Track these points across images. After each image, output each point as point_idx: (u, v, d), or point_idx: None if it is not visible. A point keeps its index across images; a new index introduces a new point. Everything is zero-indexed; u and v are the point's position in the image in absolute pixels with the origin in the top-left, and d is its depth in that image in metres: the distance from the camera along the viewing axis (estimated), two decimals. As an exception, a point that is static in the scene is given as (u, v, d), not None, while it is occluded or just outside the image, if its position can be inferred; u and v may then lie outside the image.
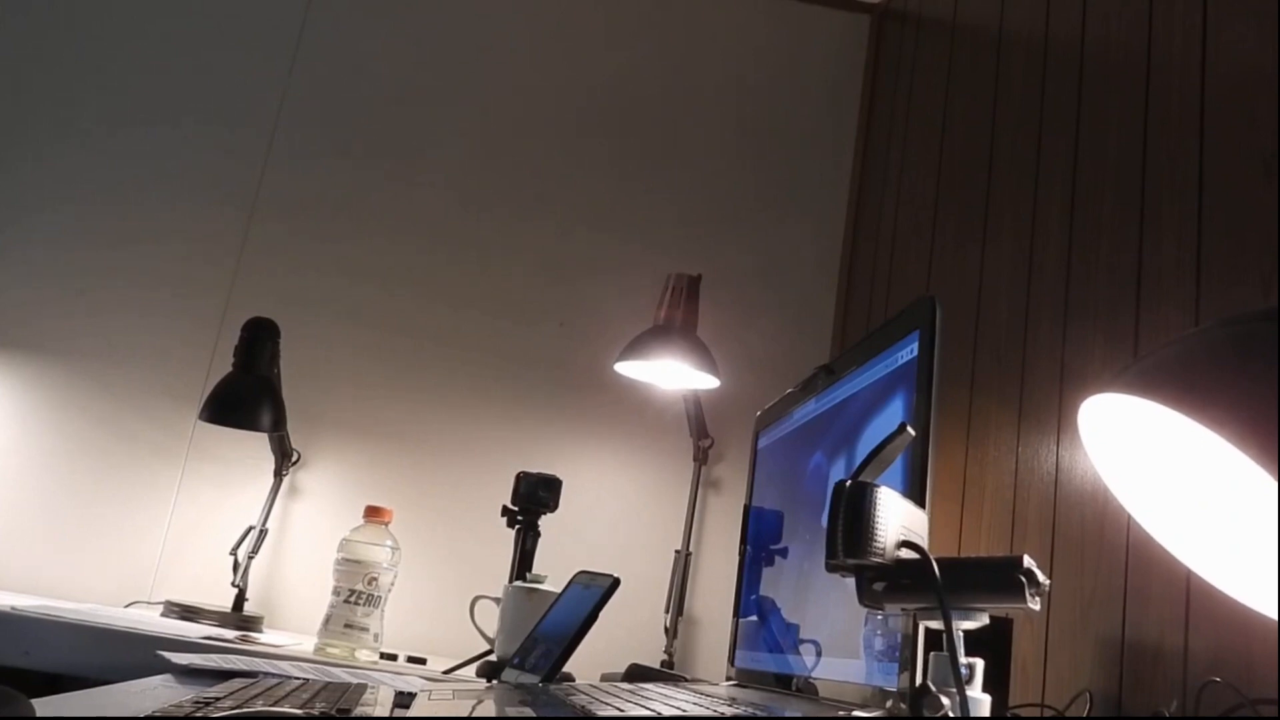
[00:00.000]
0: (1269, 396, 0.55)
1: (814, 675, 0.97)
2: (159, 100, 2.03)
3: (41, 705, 0.63)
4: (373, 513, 1.55)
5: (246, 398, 1.69)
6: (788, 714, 0.90)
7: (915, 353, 0.86)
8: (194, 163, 2.00)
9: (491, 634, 1.55)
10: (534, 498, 1.64)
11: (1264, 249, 0.92)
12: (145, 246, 1.95)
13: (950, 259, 1.64)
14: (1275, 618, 0.66)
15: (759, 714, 0.83)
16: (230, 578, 1.74)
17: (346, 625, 1.48)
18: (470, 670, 1.47)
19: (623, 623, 1.61)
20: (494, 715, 0.86)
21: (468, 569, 1.83)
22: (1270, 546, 0.66)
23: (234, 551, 1.77)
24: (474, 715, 0.84)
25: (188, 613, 1.63)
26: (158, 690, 0.87)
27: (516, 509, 1.66)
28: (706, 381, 1.82)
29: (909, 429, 0.71)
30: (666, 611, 1.88)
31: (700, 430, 1.95)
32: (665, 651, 1.85)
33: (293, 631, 1.77)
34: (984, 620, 0.66)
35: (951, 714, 0.62)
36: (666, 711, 0.77)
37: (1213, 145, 1.04)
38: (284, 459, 1.84)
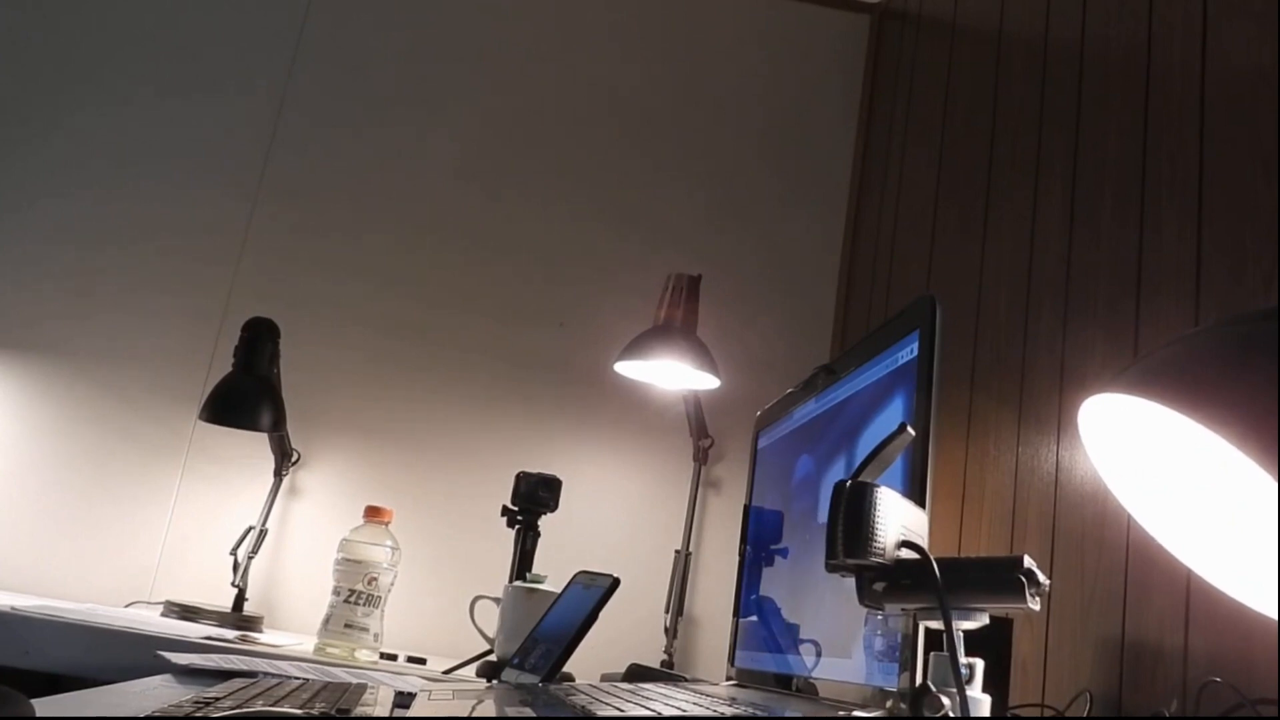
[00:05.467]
0: (1269, 396, 0.55)
1: (814, 675, 0.97)
2: (156, 95, 2.03)
3: (41, 705, 0.63)
4: (373, 513, 1.55)
5: (246, 398, 1.69)
6: (788, 714, 0.90)
7: (915, 352, 0.86)
8: (195, 162, 2.00)
9: (491, 634, 1.55)
10: (534, 498, 1.64)
11: (1264, 249, 0.92)
12: (145, 246, 1.95)
13: (950, 259, 1.64)
14: (1275, 618, 0.66)
15: (759, 714, 0.83)
16: (230, 578, 1.74)
17: (346, 625, 1.48)
18: (470, 670, 1.47)
19: (623, 623, 1.61)
20: (494, 715, 0.86)
21: (468, 569, 1.83)
22: (1270, 546, 0.66)
23: (234, 551, 1.77)
24: (474, 715, 0.84)
25: (188, 613, 1.63)
26: (158, 690, 0.87)
27: (516, 509, 1.66)
28: (706, 381, 1.82)
29: (909, 429, 0.71)
30: (666, 611, 1.88)
31: (700, 430, 1.95)
32: (665, 651, 1.85)
33: (293, 631, 1.77)
34: (984, 620, 0.66)
35: (951, 714, 0.62)
36: (666, 711, 0.77)
37: (1213, 145, 1.04)
38: (284, 459, 1.84)
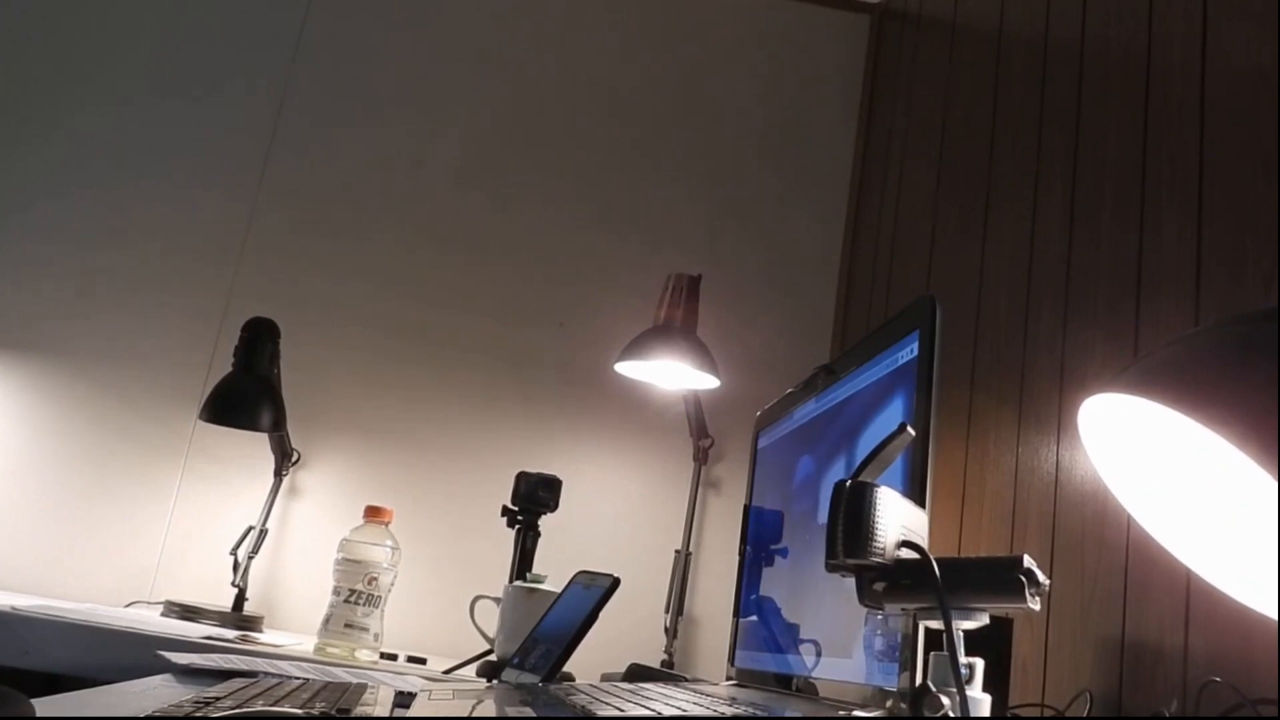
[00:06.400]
0: (1269, 396, 0.55)
1: (814, 675, 0.97)
2: (156, 95, 2.03)
3: (41, 705, 0.63)
4: (373, 513, 1.55)
5: (246, 398, 1.69)
6: (788, 714, 0.90)
7: (915, 352, 0.86)
8: (195, 163, 2.00)
9: (491, 634, 1.55)
10: (534, 498, 1.64)
11: (1264, 249, 0.92)
12: (145, 246, 1.95)
13: (950, 259, 1.64)
14: (1275, 618, 0.66)
15: (759, 714, 0.83)
16: (230, 578, 1.74)
17: (346, 625, 1.48)
18: (470, 670, 1.47)
19: (623, 623, 1.61)
20: (494, 715, 0.86)
21: (468, 569, 1.83)
22: (1270, 546, 0.66)
23: (234, 551, 1.77)
24: (474, 715, 0.84)
25: (188, 613, 1.63)
26: (158, 690, 0.87)
27: (516, 509, 1.66)
28: (706, 381, 1.82)
29: (909, 429, 0.71)
30: (666, 611, 1.88)
31: (700, 430, 1.95)
32: (665, 651, 1.85)
33: (293, 631, 1.77)
34: (984, 620, 0.66)
35: (951, 714, 0.62)
36: (666, 711, 0.77)
37: (1213, 145, 1.04)
38: (284, 459, 1.84)
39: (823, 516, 0.80)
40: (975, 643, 0.66)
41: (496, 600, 1.55)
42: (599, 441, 1.98)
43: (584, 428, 1.99)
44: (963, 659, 0.64)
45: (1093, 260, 1.22)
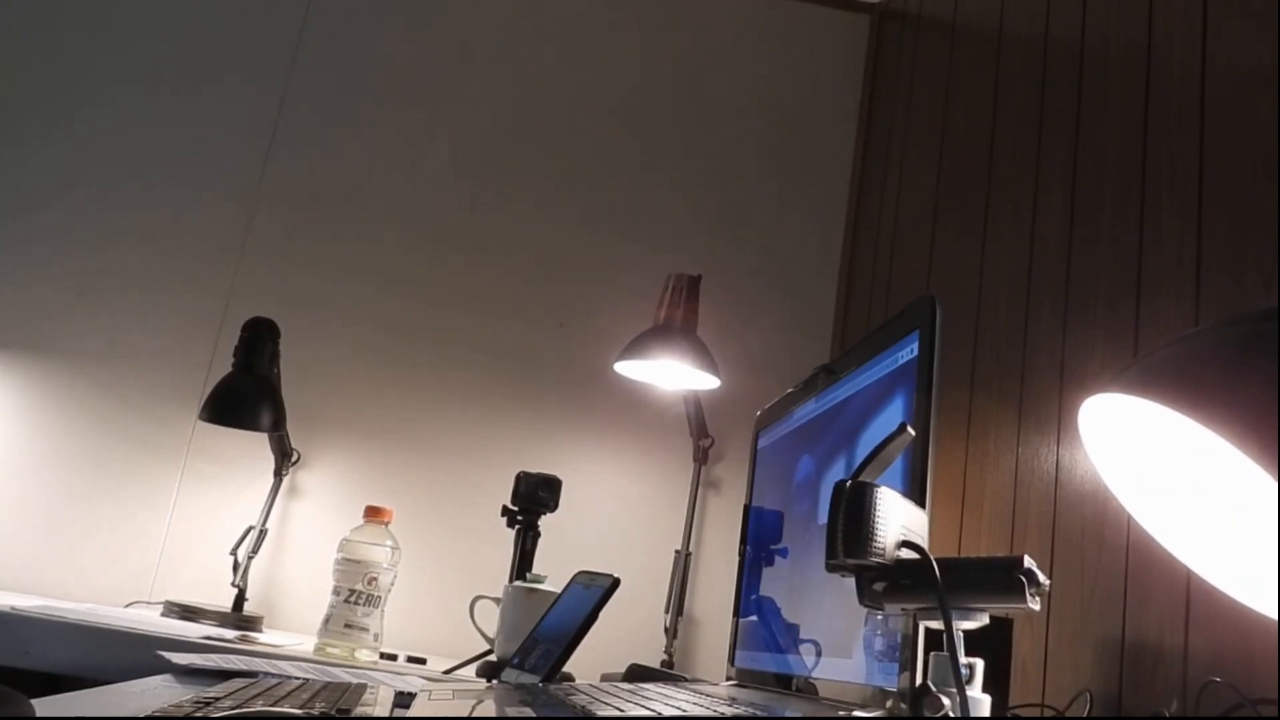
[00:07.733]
0: (1269, 396, 0.55)
1: (814, 675, 0.97)
2: (157, 95, 2.03)
3: (41, 705, 0.63)
4: (373, 513, 1.55)
5: (246, 398, 1.69)
6: (788, 714, 0.90)
7: (915, 352, 0.86)
8: (195, 163, 2.00)
9: (491, 634, 1.55)
10: (534, 498, 1.64)
11: (1264, 249, 0.92)
12: (145, 246, 1.95)
13: (950, 259, 1.64)
14: (1275, 618, 0.66)
15: (759, 714, 0.83)
16: (230, 578, 1.74)
17: (346, 625, 1.48)
18: (470, 670, 1.47)
19: (623, 623, 1.61)
20: (494, 715, 0.86)
21: (468, 569, 1.83)
22: (1270, 546, 0.66)
23: (234, 551, 1.77)
24: (474, 715, 0.84)
25: (188, 613, 1.63)
26: (158, 690, 0.87)
27: (516, 509, 1.66)
28: (706, 381, 1.82)
29: (909, 429, 0.71)
30: (666, 611, 1.88)
31: (700, 430, 1.95)
32: (665, 651, 1.85)
33: (293, 631, 1.77)
34: (984, 620, 0.66)
35: (951, 714, 0.62)
36: (666, 711, 0.77)
37: (1213, 145, 1.04)
38: (284, 459, 1.84)
39: (823, 516, 0.80)
40: (975, 643, 0.66)
41: (496, 600, 1.55)
42: (599, 441, 1.98)
43: (584, 428, 1.99)
44: (963, 659, 0.64)
45: (1093, 260, 1.22)
